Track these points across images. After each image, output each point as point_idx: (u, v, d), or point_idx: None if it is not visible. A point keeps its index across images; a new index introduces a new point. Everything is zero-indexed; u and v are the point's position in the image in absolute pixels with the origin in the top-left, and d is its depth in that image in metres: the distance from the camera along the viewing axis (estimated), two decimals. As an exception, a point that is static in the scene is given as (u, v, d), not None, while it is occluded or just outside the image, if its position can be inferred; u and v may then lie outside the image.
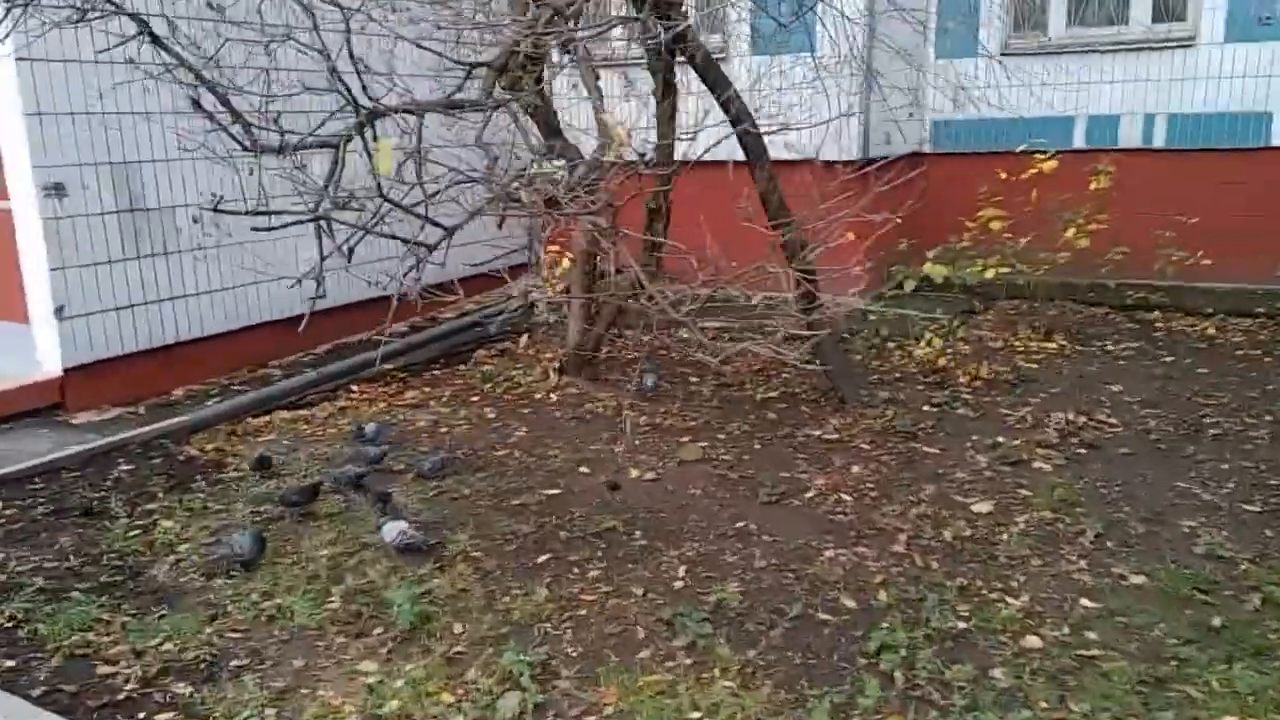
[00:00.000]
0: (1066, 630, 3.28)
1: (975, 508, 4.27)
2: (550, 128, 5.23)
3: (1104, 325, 7.30)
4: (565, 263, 7.00)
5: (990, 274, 6.50)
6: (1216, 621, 3.27)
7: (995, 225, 6.88)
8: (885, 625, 3.35)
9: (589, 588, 3.70)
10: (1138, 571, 3.65)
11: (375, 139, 3.20)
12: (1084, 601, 3.47)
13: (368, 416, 5.80)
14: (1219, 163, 7.79)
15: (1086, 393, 5.75)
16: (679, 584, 3.71)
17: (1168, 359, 6.43)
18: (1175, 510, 4.16)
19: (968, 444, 5.04)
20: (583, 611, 3.53)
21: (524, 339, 6.81)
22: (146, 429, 5.30)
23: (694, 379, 6.36)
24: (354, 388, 6.47)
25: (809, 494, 4.49)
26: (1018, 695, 2.95)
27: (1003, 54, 8.39)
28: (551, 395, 6.11)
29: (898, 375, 6.19)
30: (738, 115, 5.42)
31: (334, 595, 3.65)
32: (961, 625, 3.33)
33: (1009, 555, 3.82)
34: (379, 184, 3.09)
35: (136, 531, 4.20)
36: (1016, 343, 6.76)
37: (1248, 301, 7.45)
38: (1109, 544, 3.90)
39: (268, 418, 5.83)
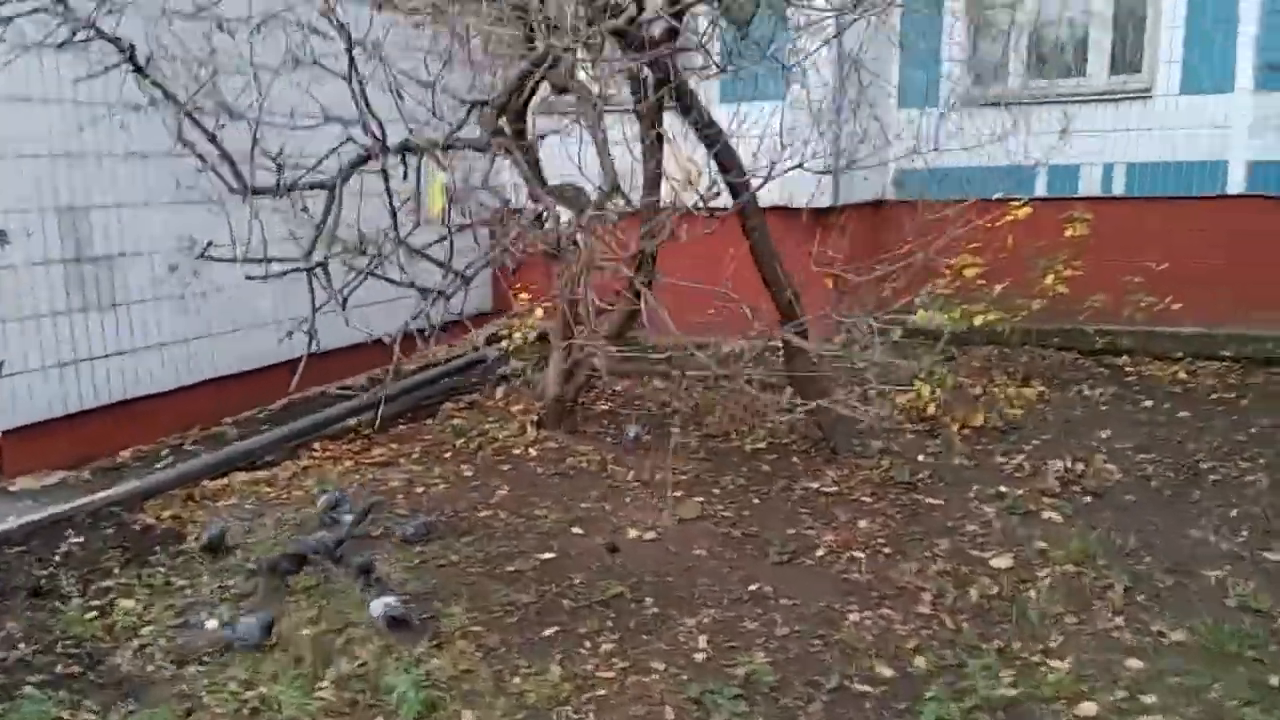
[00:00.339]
0: (1121, 694, 3.10)
1: (994, 563, 4.11)
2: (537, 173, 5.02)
3: (1076, 370, 7.28)
4: (539, 312, 6.78)
5: (978, 321, 6.43)
6: (1275, 681, 3.13)
7: (969, 272, 6.85)
8: (930, 695, 3.14)
9: (604, 663, 3.41)
10: (1176, 627, 3.50)
11: (409, 175, 2.95)
12: (1129, 662, 3.30)
13: (335, 477, 5.45)
14: (1180, 210, 7.91)
15: (1076, 439, 5.67)
16: (701, 655, 3.45)
17: (1147, 403, 6.41)
18: (1196, 560, 4.05)
19: (970, 494, 4.90)
20: (602, 691, 3.24)
21: (499, 391, 6.50)
22: (96, 496, 4.87)
23: (675, 429, 6.13)
24: (316, 445, 6.11)
25: (820, 552, 4.28)
26: (1086, 771, 2.75)
27: (964, 104, 8.46)
28: (530, 450, 5.82)
29: (886, 424, 6.04)
30: (726, 164, 5.28)
31: (325, 681, 3.30)
32: (1011, 693, 3.13)
33: (1041, 614, 3.64)
34: (394, 223, 2.84)
35: (93, 613, 3.79)
36: (995, 389, 6.69)
37: (1212, 344, 7.52)
38: (1139, 598, 3.75)
39: (225, 480, 5.44)
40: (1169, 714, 2.99)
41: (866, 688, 3.23)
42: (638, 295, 5.62)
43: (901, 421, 6.04)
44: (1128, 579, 3.88)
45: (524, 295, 6.73)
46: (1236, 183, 7.93)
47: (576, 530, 4.63)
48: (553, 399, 6.00)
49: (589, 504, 4.96)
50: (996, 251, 6.80)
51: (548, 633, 3.63)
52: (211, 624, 3.74)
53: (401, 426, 6.57)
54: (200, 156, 2.84)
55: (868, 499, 4.90)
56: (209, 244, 2.93)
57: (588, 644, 3.55)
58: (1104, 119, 8.09)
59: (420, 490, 5.30)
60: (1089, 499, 4.79)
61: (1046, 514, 4.62)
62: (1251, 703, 3.03)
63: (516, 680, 3.29)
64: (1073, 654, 3.37)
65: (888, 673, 3.31)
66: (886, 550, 4.27)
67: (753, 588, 3.96)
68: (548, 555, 4.34)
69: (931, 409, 5.98)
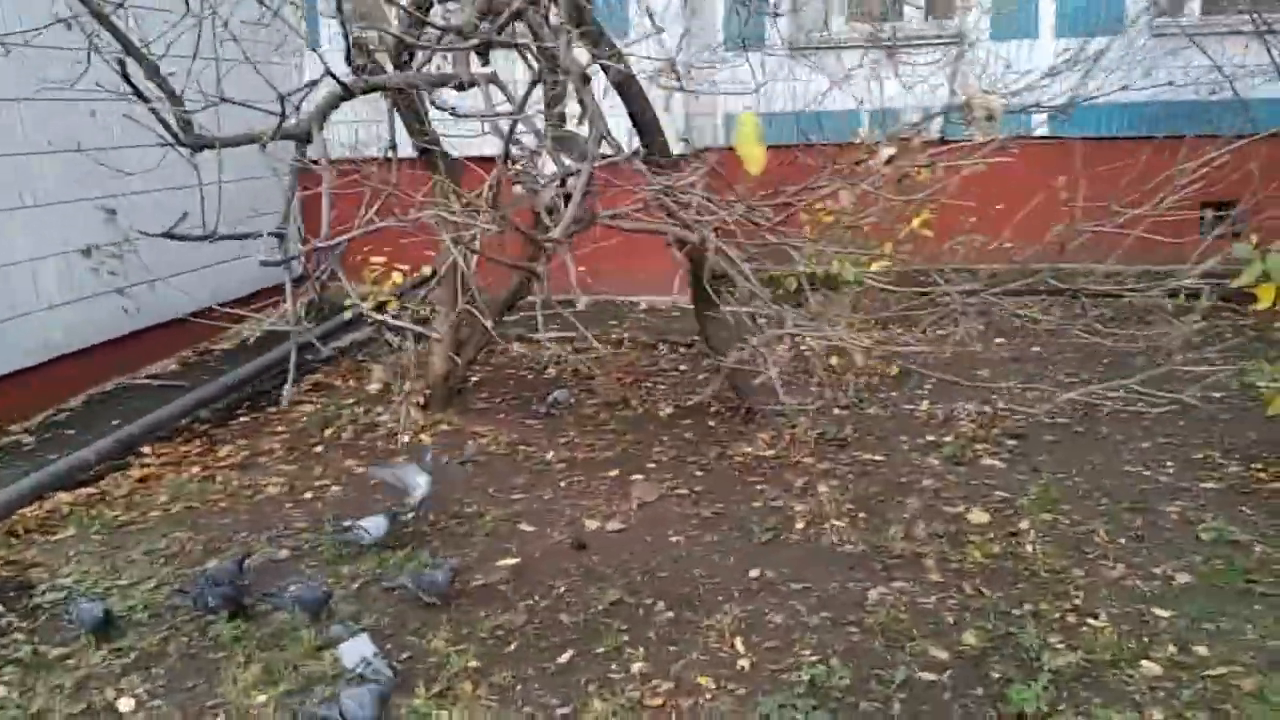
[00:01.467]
0: (1171, 649, 3.09)
1: (971, 518, 4.05)
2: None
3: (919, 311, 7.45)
4: (395, 277, 6.03)
5: (875, 267, 6.38)
6: (1296, 614, 3.26)
7: (828, 219, 6.80)
8: (997, 675, 2.99)
9: (646, 688, 2.99)
10: (1178, 570, 3.57)
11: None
12: (1157, 611, 3.32)
13: (192, 488, 4.56)
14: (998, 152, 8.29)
15: (963, 379, 5.77)
16: (745, 663, 3.11)
17: (998, 340, 6.67)
18: (1148, 496, 4.19)
19: (904, 447, 4.85)
20: (662, 722, 2.83)
21: (377, 370, 5.70)
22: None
23: (572, 401, 5.67)
24: (145, 449, 5.09)
25: (799, 525, 4.04)
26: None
27: (791, 48, 8.40)
28: (422, 437, 5.15)
29: (788, 379, 5.89)
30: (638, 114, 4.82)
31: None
32: (1074, 660, 3.04)
33: (1048, 569, 3.60)
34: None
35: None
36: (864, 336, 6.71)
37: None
38: (1122, 541, 3.81)
39: (48, 505, 4.40)
40: (1229, 664, 3.01)
41: (932, 675, 3.03)
42: (535, 256, 5.09)
43: (804, 376, 5.92)
44: (1101, 523, 3.95)
45: (376, 259, 5.91)
46: (1040, 125, 8.43)
47: (525, 527, 4.11)
48: (440, 376, 5.33)
49: (522, 494, 4.44)
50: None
51: (563, 659, 3.15)
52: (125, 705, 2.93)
53: (242, 419, 5.65)
54: (139, 95, 2.04)
55: (809, 460, 4.72)
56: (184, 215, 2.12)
57: (615, 666, 3.10)
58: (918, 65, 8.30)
59: (309, 496, 4.54)
60: (1014, 442, 4.87)
61: (986, 460, 4.65)
62: (1289, 639, 3.12)
63: (559, 725, 2.80)
64: (1102, 609, 3.34)
65: (943, 655, 3.13)
66: (862, 515, 4.11)
67: (754, 574, 3.66)
68: (510, 561, 3.81)
69: (834, 359, 5.89)
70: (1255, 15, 7.19)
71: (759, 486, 4.43)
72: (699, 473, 4.62)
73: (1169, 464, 4.51)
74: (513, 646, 3.22)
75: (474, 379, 5.96)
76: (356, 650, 3.03)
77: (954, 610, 3.38)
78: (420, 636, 3.27)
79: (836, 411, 5.35)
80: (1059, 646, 3.13)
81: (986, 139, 3.26)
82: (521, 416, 5.41)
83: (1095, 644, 3.13)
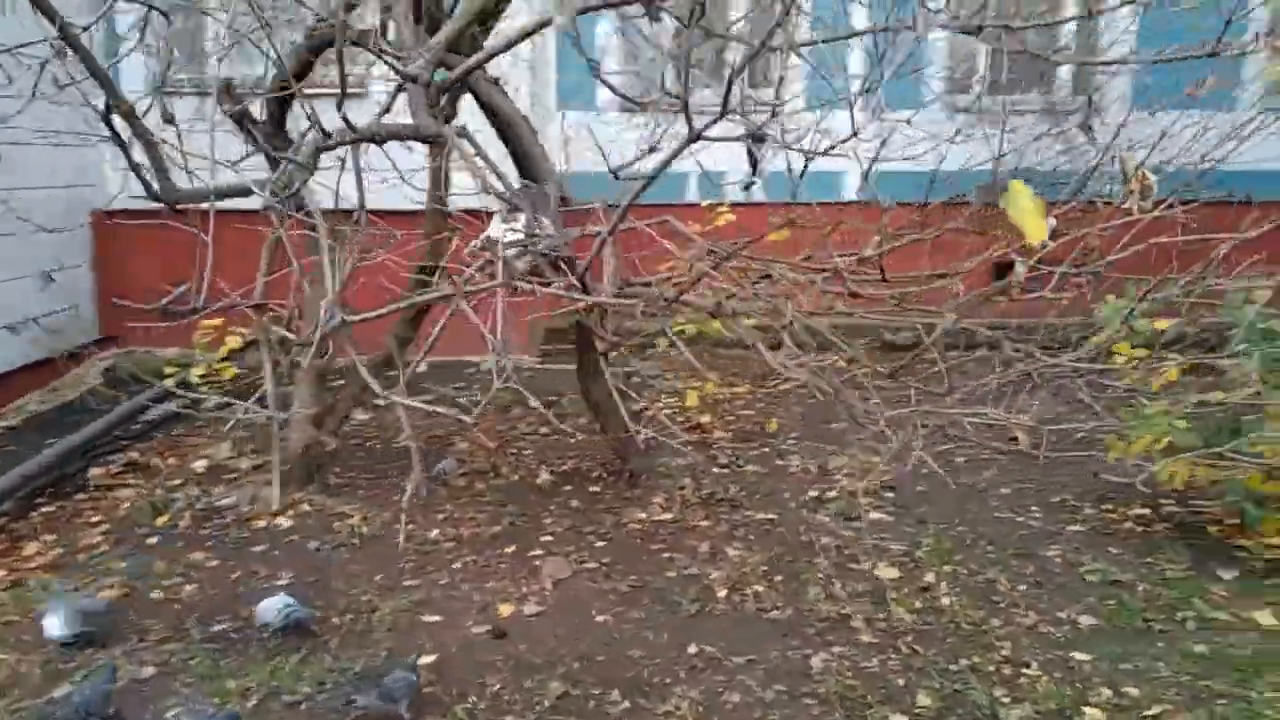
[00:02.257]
0: (1108, 693, 3.24)
1: (882, 574, 4.11)
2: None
3: (742, 366, 7.54)
4: (231, 341, 5.46)
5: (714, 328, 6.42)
6: (1199, 649, 3.51)
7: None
8: (963, 736, 3.01)
9: (625, 789, 2.76)
10: (1081, 613, 3.78)
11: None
12: (1077, 655, 3.48)
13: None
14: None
15: (817, 431, 5.95)
16: (716, 750, 2.95)
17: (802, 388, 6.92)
18: (1029, 541, 4.43)
19: (792, 504, 4.89)
20: (653, 828, 2.61)
21: (223, 446, 5.06)
22: None
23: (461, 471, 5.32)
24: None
25: (721, 593, 3.94)
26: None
27: (622, 109, 8.51)
28: (280, 520, 4.63)
29: (660, 438, 5.82)
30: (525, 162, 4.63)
31: None
32: (1026, 713, 3.11)
33: (969, 622, 3.70)
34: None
35: None
36: (717, 392, 6.81)
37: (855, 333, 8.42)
38: (1023, 588, 4.00)
39: None
40: (1160, 703, 3.18)
41: (921, 739, 3.00)
42: (417, 315, 4.78)
43: (675, 435, 5.87)
44: (998, 572, 4.12)
45: (209, 323, 5.30)
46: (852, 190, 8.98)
47: (430, 618, 3.75)
48: (299, 450, 4.82)
49: (414, 580, 4.07)
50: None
51: (526, 767, 2.85)
52: None
53: (45, 508, 4.87)
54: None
55: (706, 523, 4.65)
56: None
57: (585, 769, 2.85)
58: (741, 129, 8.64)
59: (159, 597, 3.94)
60: (890, 494, 5.04)
61: (874, 515, 4.76)
62: (1201, 676, 3.34)
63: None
64: (1029, 657, 3.46)
65: (904, 719, 3.11)
66: (778, 578, 4.07)
67: (693, 650, 3.51)
68: (427, 659, 3.44)
69: (707, 418, 5.90)
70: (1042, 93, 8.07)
71: (665, 554, 4.30)
72: (600, 543, 4.42)
73: (1034, 509, 4.81)
74: (464, 759, 2.89)
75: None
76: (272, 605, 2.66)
77: (898, 671, 3.38)
78: (353, 759, 2.87)
79: (716, 470, 5.33)
80: (1006, 700, 3.20)
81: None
82: (388, 491, 4.99)
83: (1037, 694, 3.22)
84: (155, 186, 2.56)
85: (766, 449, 5.71)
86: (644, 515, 4.72)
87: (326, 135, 2.61)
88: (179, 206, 3.30)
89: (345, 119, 2.69)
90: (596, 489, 5.09)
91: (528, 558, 4.25)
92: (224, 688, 3.24)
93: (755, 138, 2.71)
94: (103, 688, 2.91)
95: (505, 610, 3.79)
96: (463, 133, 2.97)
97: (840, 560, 4.25)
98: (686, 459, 5.43)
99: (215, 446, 5.18)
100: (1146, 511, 4.71)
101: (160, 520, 4.64)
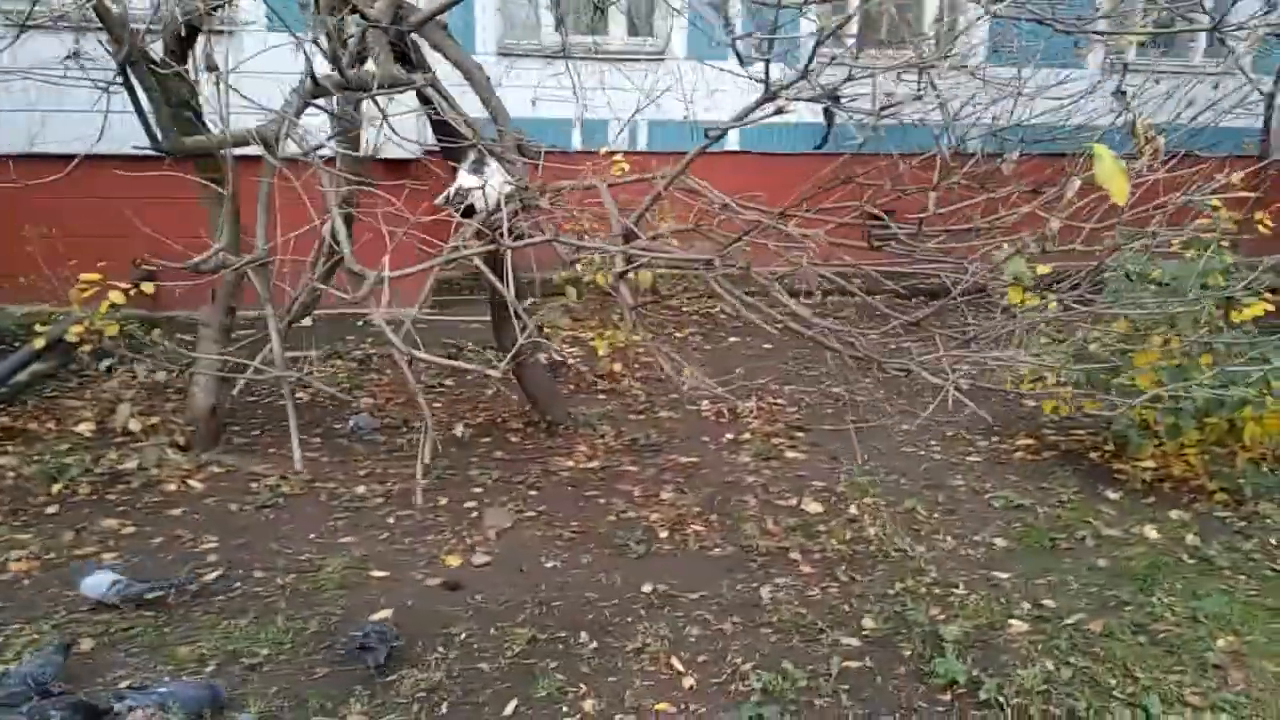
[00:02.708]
0: (1029, 607, 3.55)
1: (807, 508, 4.32)
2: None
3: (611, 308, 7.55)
4: (115, 296, 5.11)
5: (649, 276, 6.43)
6: (1101, 563, 3.87)
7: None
8: (908, 652, 3.25)
9: (609, 727, 2.85)
10: (994, 536, 4.10)
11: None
12: (998, 574, 3.79)
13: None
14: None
15: (713, 371, 6.07)
16: (690, 681, 3.08)
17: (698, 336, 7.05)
18: (935, 473, 4.74)
19: (711, 446, 5.05)
20: (643, 760, 2.71)
21: (123, 408, 4.73)
22: None
23: (339, 426, 5.19)
24: None
25: (664, 534, 4.05)
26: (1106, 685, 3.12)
27: (499, 54, 8.36)
28: (191, 483, 4.43)
29: (573, 385, 5.87)
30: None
31: None
32: (963, 629, 3.37)
33: (896, 550, 3.95)
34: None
35: None
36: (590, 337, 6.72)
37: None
38: (937, 516, 4.29)
39: None
40: (1076, 613, 3.50)
41: (857, 662, 3.20)
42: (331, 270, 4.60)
43: (584, 382, 5.92)
44: (913, 502, 4.40)
45: (88, 276, 4.90)
46: (733, 141, 9.12)
47: (378, 573, 3.70)
48: (205, 411, 4.59)
49: (351, 537, 3.99)
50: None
51: (507, 712, 2.89)
52: None
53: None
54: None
55: (634, 468, 4.75)
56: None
57: (566, 708, 2.92)
58: (623, 79, 8.61)
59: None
60: (801, 434, 5.25)
61: (789, 454, 4.97)
62: (1111, 589, 3.68)
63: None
64: (955, 578, 3.74)
65: (855, 642, 3.31)
66: (713, 517, 4.21)
67: (648, 590, 3.61)
68: (383, 614, 3.41)
69: (618, 367, 5.96)
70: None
71: (601, 500, 4.37)
72: (532, 493, 4.44)
73: (934, 443, 5.13)
74: (444, 709, 2.90)
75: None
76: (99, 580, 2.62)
77: (840, 598, 3.59)
78: (333, 715, 2.83)
79: (633, 418, 5.41)
80: (941, 619, 3.46)
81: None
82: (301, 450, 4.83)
83: (968, 611, 3.50)
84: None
85: (676, 395, 5.82)
86: (571, 463, 4.76)
87: (316, 84, 2.47)
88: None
89: (340, 70, 2.56)
90: (516, 439, 5.08)
91: (463, 510, 4.23)
92: (176, 654, 3.12)
93: (832, 98, 2.71)
94: (55, 659, 2.74)
95: (453, 562, 3.78)
96: (433, 81, 2.87)
97: (767, 498, 4.43)
98: (604, 407, 5.49)
99: (112, 409, 4.86)
100: (1032, 442, 5.11)
101: (55, 488, 4.34)
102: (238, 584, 3.58)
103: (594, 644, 3.25)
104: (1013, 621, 3.46)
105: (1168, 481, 4.59)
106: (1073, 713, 2.95)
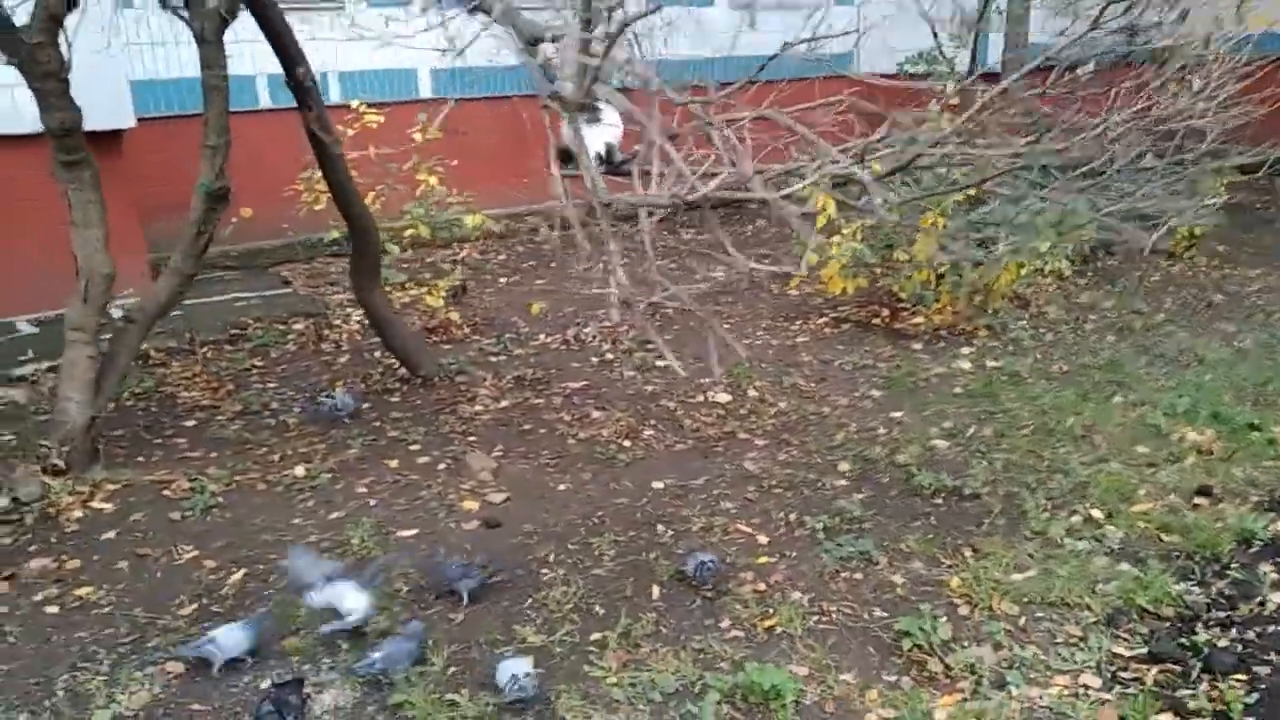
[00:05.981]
0: (935, 430, 4.47)
1: (718, 399, 4.90)
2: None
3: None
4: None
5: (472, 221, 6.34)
6: (956, 392, 4.91)
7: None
8: (896, 478, 4.01)
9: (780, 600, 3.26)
10: (871, 389, 4.99)
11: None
12: (895, 414, 4.68)
13: None
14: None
15: (552, 306, 6.41)
16: (765, 539, 3.56)
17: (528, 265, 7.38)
18: (781, 353, 5.53)
19: (589, 369, 5.39)
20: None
21: None
22: None
23: (206, 404, 4.81)
24: None
25: (626, 444, 4.40)
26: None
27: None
28: (96, 505, 3.90)
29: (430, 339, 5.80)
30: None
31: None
32: (910, 455, 4.19)
33: (811, 413, 4.69)
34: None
35: None
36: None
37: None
38: (814, 384, 5.09)
39: None
40: (979, 425, 4.48)
41: (864, 494, 3.88)
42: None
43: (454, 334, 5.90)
44: (791, 377, 5.16)
45: None
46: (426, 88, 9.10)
47: (405, 533, 3.68)
48: (82, 426, 3.99)
49: (340, 512, 3.87)
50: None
51: (655, 597, 3.17)
52: None
53: None
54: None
55: (539, 400, 4.97)
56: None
57: (656, 617, 3.26)
58: (311, 29, 8.18)
59: (54, 611, 3.23)
60: (668, 338, 5.72)
61: (659, 363, 5.47)
62: (975, 408, 4.72)
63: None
64: (869, 424, 4.57)
65: (845, 483, 4.00)
66: (651, 421, 4.64)
67: (660, 485, 3.99)
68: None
69: (455, 315, 5.98)
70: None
71: (543, 430, 4.58)
72: (473, 437, 4.52)
73: (761, 331, 5.94)
74: (599, 609, 3.10)
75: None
76: (509, 667, 2.66)
77: (806, 455, 4.28)
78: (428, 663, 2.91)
79: (495, 359, 5.56)
80: (886, 454, 4.25)
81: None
82: (189, 448, 4.39)
83: (897, 444, 4.34)
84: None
85: (513, 334, 6.00)
86: (481, 407, 4.86)
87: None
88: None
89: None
90: (400, 398, 5.02)
91: (429, 464, 4.22)
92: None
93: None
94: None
95: (470, 506, 3.83)
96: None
97: (680, 399, 4.92)
98: (459, 355, 5.54)
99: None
100: (825, 319, 6.11)
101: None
102: (272, 586, 3.34)
103: (669, 532, 3.59)
104: (934, 443, 4.36)
105: (942, 330, 5.81)
106: (1027, 485, 3.89)
